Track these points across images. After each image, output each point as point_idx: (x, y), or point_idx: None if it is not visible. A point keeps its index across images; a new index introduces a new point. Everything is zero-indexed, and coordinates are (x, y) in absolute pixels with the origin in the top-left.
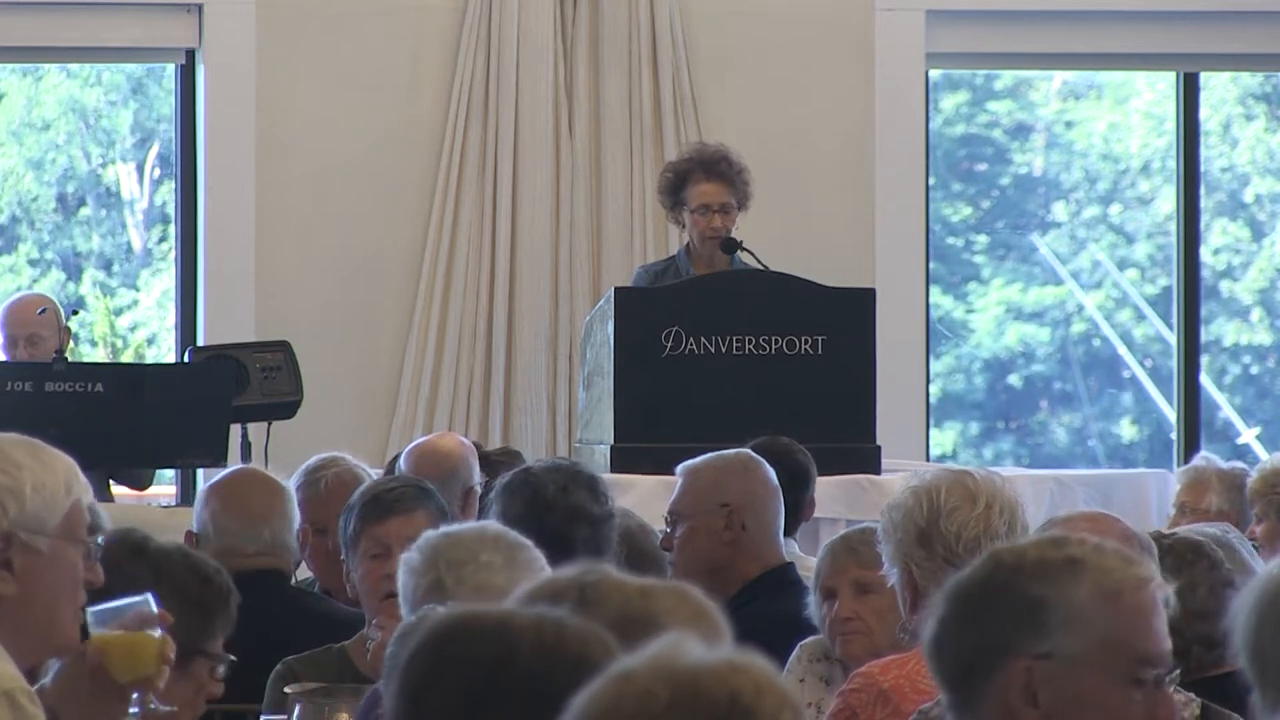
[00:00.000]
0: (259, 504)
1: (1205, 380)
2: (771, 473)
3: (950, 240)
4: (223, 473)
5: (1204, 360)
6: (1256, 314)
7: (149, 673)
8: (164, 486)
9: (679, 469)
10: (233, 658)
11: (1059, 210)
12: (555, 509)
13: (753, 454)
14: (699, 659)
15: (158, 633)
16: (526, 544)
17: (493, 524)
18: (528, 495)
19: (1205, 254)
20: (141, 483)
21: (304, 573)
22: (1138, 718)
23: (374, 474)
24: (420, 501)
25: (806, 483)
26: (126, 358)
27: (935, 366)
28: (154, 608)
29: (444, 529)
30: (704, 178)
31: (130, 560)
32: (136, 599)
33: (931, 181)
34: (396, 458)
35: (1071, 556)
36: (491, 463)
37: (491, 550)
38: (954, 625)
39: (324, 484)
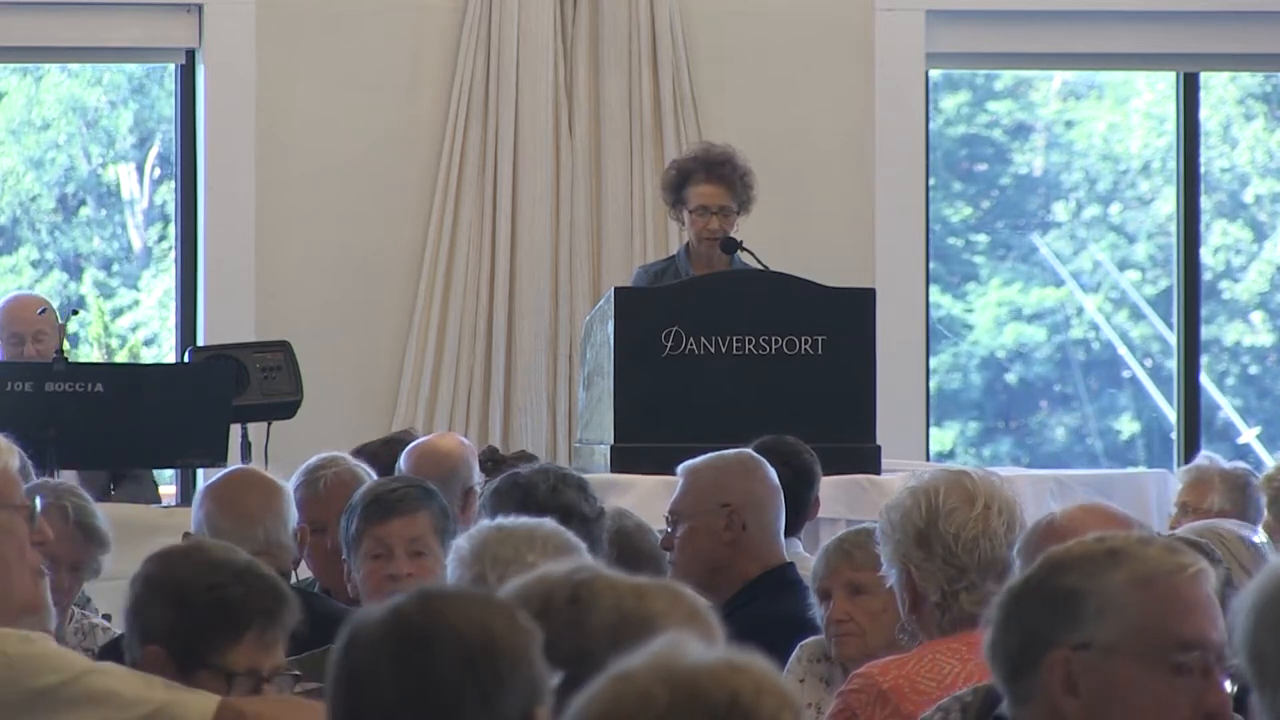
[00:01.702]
0: (253, 504)
1: (1205, 380)
2: (772, 473)
3: (950, 240)
4: (219, 474)
5: (1204, 360)
6: (1258, 315)
7: None
8: (164, 486)
9: (679, 469)
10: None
11: (1059, 210)
12: (547, 510)
13: (753, 454)
14: (698, 660)
15: None
16: (579, 547)
17: (548, 523)
18: (519, 497)
19: (1205, 254)
20: (146, 495)
21: (304, 572)
22: (1182, 706)
23: (373, 474)
24: (423, 502)
25: (812, 482)
26: (121, 358)
27: (935, 366)
28: None
29: (499, 522)
30: (705, 178)
31: (149, 564)
32: None
33: (931, 181)
34: (365, 446)
35: (1112, 548)
36: (508, 466)
37: (539, 552)
38: (1003, 624)
39: (323, 483)
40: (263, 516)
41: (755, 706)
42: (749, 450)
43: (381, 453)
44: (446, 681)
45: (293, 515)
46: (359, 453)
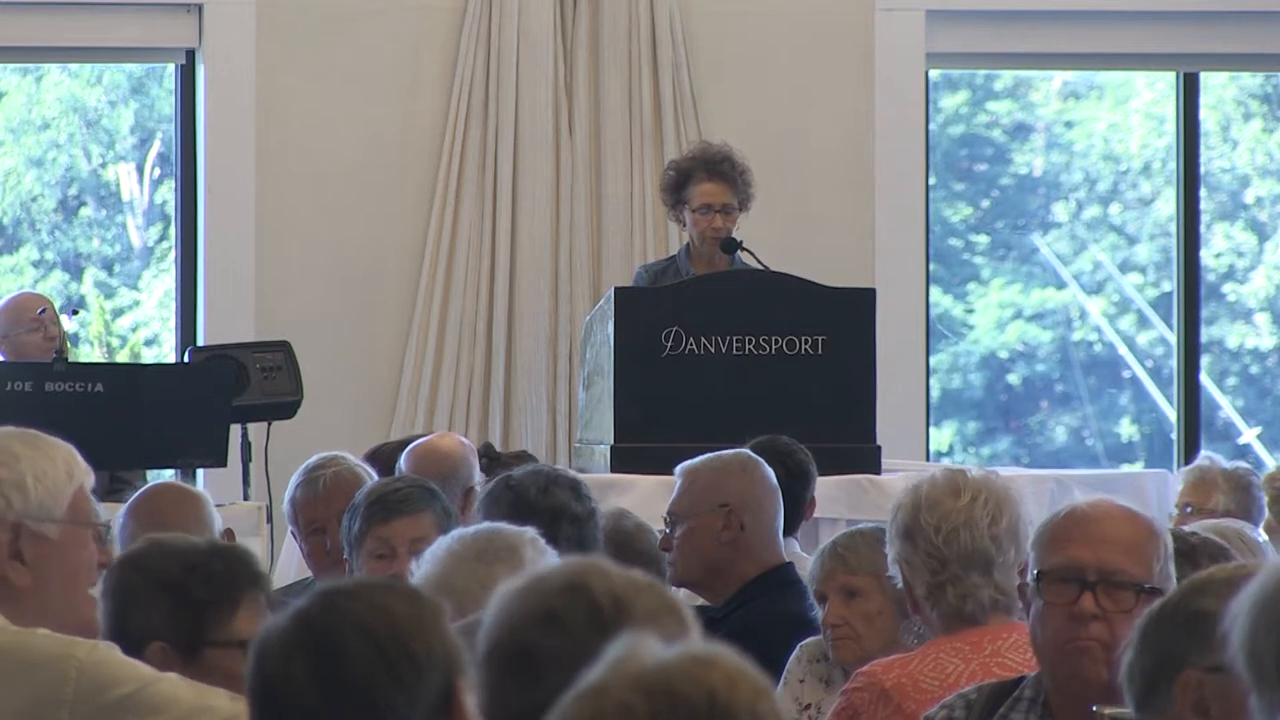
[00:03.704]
0: (175, 515)
1: (1206, 380)
2: (770, 473)
3: (950, 240)
4: (138, 492)
5: (1205, 361)
6: (1262, 318)
7: None
8: None
9: (678, 469)
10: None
11: (1059, 211)
12: (538, 511)
13: (751, 454)
14: (664, 660)
15: None
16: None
17: (527, 531)
18: (510, 500)
19: (1207, 257)
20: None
21: (304, 571)
22: None
23: (374, 474)
24: (426, 502)
25: (807, 482)
26: (122, 358)
27: (935, 366)
28: None
29: (490, 526)
30: (706, 177)
31: (114, 573)
32: None
33: (931, 181)
34: (382, 447)
35: (1253, 574)
36: (506, 465)
37: (532, 550)
38: (1140, 644)
39: (322, 483)
40: (187, 525)
41: (732, 699)
42: (747, 450)
43: (396, 455)
44: (362, 675)
45: (216, 521)
46: (374, 455)
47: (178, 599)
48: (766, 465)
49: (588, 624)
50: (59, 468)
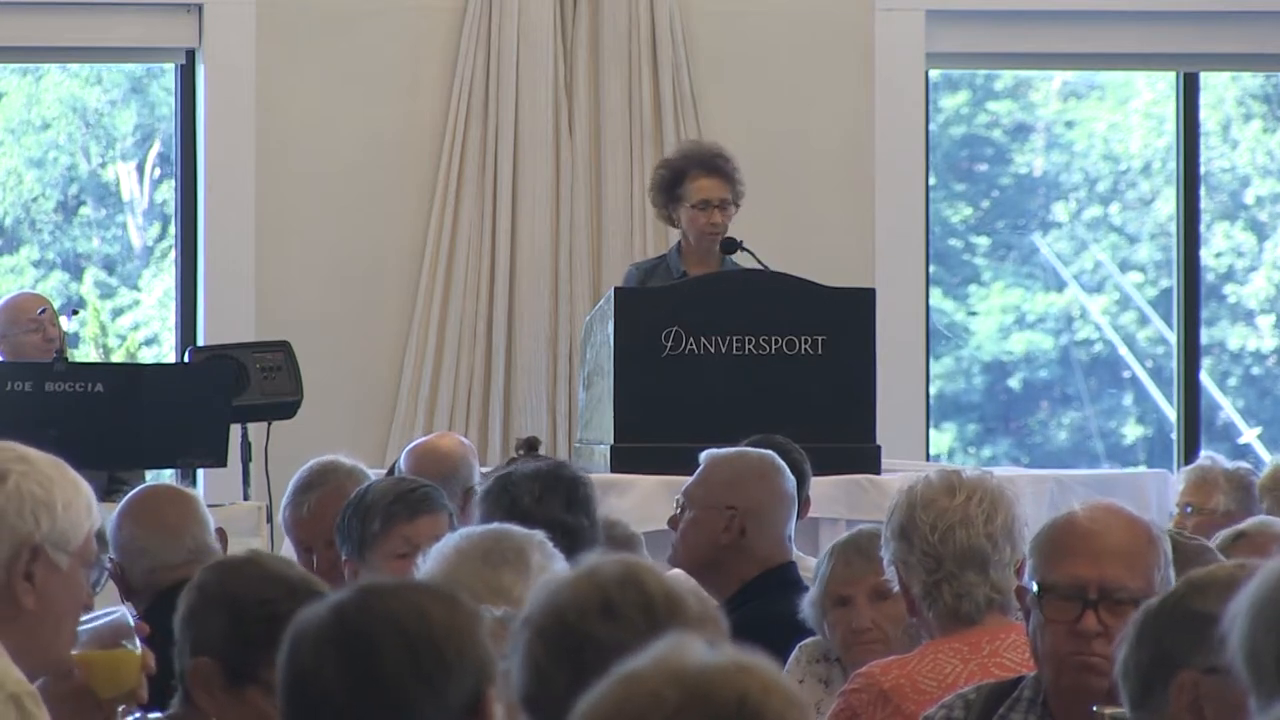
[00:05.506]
0: (173, 516)
1: (1206, 380)
2: (788, 480)
3: (951, 241)
4: (127, 496)
5: (1206, 362)
6: (1264, 320)
7: (131, 686)
8: None
9: (704, 454)
10: None
11: (1059, 211)
12: (532, 520)
13: (776, 460)
14: (705, 660)
15: (137, 646)
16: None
17: (536, 534)
18: (506, 504)
19: (1207, 256)
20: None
21: None
22: None
23: (373, 475)
24: (442, 502)
25: (803, 481)
26: (118, 358)
27: (935, 367)
28: (130, 620)
29: (498, 527)
30: (703, 173)
31: (206, 573)
32: (113, 613)
33: (932, 182)
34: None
35: (1253, 573)
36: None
37: (539, 554)
38: (1137, 641)
39: (307, 508)
40: (186, 525)
41: (763, 706)
42: (772, 455)
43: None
44: (391, 674)
45: (210, 519)
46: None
47: (238, 627)
48: (786, 471)
49: (642, 617)
50: (84, 501)
